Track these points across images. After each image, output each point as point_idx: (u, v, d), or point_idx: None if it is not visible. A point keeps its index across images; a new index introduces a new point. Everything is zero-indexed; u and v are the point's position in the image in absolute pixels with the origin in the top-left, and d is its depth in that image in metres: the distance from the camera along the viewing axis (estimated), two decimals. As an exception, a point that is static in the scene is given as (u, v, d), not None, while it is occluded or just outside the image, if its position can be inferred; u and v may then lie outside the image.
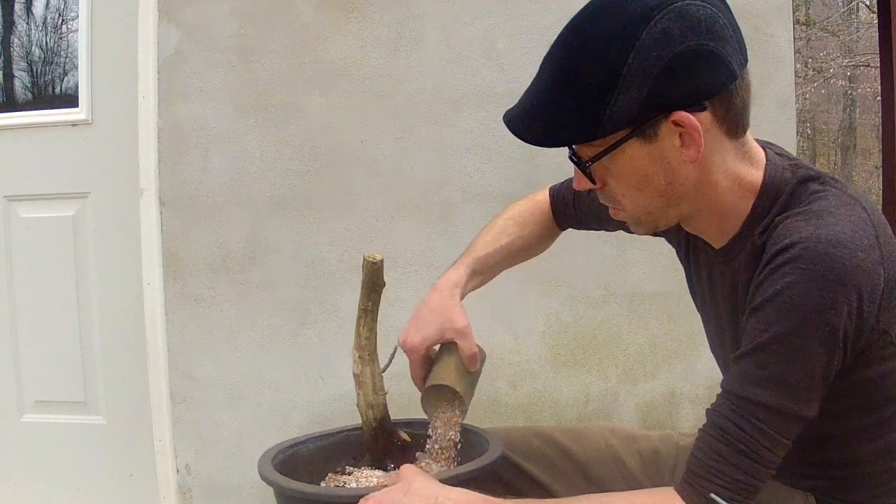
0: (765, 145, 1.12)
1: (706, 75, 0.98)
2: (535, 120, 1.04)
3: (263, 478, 1.21)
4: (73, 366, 2.50)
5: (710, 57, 0.98)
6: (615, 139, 1.00)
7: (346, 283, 2.27)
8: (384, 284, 1.28)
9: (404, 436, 1.33)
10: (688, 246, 1.23)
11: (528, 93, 1.06)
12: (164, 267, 2.31)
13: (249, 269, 2.31)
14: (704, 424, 1.02)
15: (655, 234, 1.25)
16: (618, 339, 2.24)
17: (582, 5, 1.04)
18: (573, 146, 1.06)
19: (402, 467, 1.14)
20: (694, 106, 0.98)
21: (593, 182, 1.07)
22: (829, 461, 1.12)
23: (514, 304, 2.25)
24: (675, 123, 0.99)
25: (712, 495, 0.98)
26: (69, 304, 2.49)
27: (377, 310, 1.29)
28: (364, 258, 1.28)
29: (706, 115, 0.99)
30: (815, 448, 1.10)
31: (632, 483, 1.30)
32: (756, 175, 1.07)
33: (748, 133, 1.07)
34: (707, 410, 1.03)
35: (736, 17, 1.07)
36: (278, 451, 1.32)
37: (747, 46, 1.06)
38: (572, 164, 1.08)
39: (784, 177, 1.07)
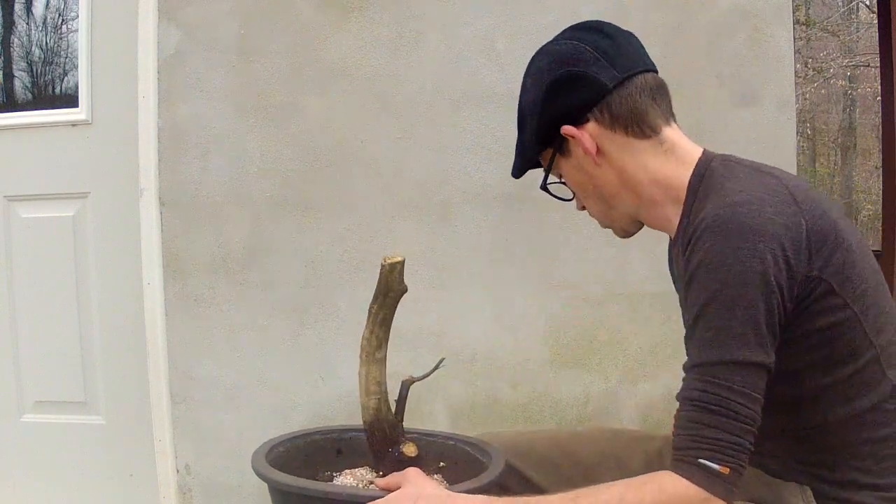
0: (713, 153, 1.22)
1: (576, 94, 1.19)
2: (515, 159, 1.30)
3: (258, 473, 1.21)
4: (73, 366, 2.50)
5: (575, 80, 1.19)
6: (546, 160, 1.26)
7: (346, 284, 2.27)
8: (403, 289, 1.25)
9: (407, 449, 1.29)
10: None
11: None
12: (164, 267, 2.31)
13: (249, 270, 2.30)
14: (677, 408, 1.06)
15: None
16: (618, 339, 2.24)
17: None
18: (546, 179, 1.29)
19: (407, 470, 1.17)
20: (577, 120, 1.20)
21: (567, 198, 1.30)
22: (807, 435, 1.14)
23: (514, 304, 2.25)
24: (570, 136, 1.20)
25: (701, 460, 1.00)
26: (69, 304, 2.49)
27: (386, 314, 1.26)
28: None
29: (592, 125, 1.20)
30: (788, 418, 1.13)
31: None
32: (685, 172, 1.19)
33: (674, 135, 1.20)
34: (678, 395, 1.06)
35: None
36: (271, 446, 1.32)
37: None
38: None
39: (709, 168, 1.16)
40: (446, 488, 1.14)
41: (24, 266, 2.53)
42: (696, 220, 1.08)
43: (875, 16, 3.91)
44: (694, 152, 1.21)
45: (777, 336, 1.05)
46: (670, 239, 1.28)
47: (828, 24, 11.57)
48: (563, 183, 1.29)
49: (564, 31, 1.25)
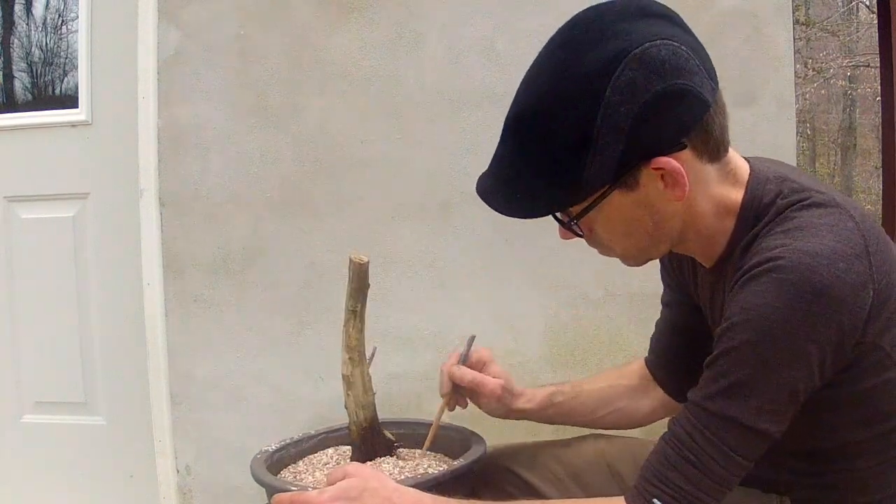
0: (753, 158, 1.10)
1: (679, 114, 0.95)
2: (512, 196, 1.03)
3: (257, 479, 1.23)
4: (73, 366, 2.50)
5: (680, 95, 0.94)
6: (597, 196, 0.99)
7: (346, 284, 2.26)
8: (370, 285, 1.29)
9: (389, 435, 1.38)
10: (692, 269, 1.22)
11: (499, 164, 1.05)
12: (164, 267, 2.31)
13: (249, 270, 2.30)
14: (664, 432, 1.00)
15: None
16: (618, 339, 2.24)
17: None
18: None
19: (349, 465, 1.13)
20: (673, 147, 0.96)
21: (580, 235, 1.06)
22: (823, 473, 1.08)
23: (514, 304, 2.25)
24: (657, 168, 0.97)
25: (655, 500, 0.96)
26: (69, 304, 2.49)
27: (365, 311, 1.30)
28: (350, 259, 1.29)
29: (686, 152, 0.97)
30: (809, 462, 1.07)
31: (624, 490, 1.31)
32: (737, 194, 1.04)
33: (732, 152, 1.05)
34: (669, 420, 1.01)
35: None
36: (268, 454, 1.35)
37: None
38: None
39: (766, 191, 1.03)
40: (397, 481, 1.10)
41: (25, 267, 2.53)
42: (756, 253, 0.97)
43: (875, 16, 3.91)
44: (745, 168, 1.06)
45: (800, 403, 0.96)
46: None
47: (828, 24, 11.57)
48: (569, 222, 1.04)
49: (622, 20, 0.97)
